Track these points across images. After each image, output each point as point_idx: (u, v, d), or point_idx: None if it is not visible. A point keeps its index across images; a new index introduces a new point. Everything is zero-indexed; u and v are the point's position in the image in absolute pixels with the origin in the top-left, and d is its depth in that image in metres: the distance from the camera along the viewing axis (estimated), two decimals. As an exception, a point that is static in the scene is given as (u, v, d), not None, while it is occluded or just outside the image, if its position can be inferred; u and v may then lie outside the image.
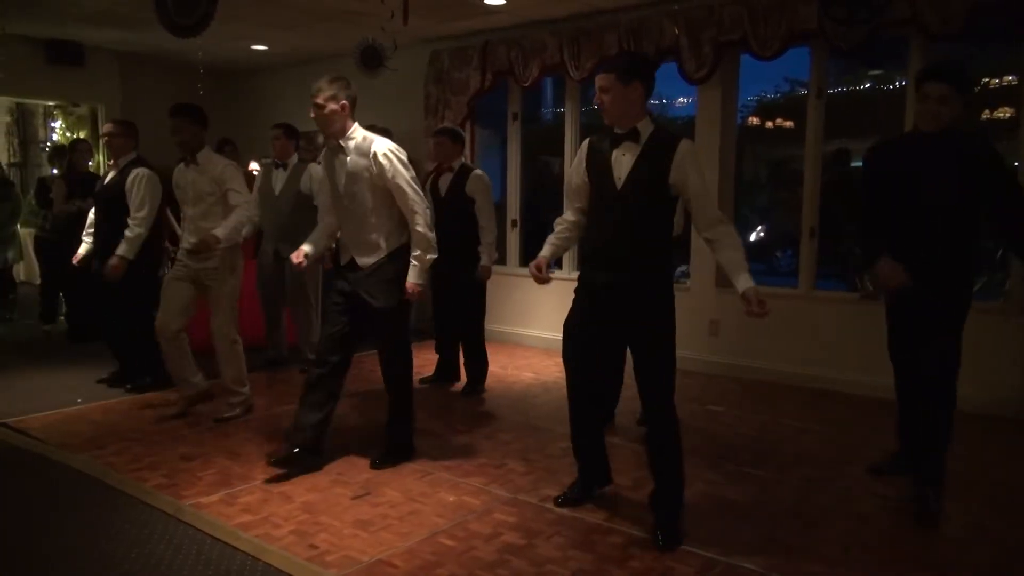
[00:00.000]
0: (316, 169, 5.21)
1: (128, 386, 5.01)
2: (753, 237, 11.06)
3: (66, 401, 4.73)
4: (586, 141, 3.04)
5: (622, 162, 2.84)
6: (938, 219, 3.09)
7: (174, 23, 4.80)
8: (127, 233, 4.60)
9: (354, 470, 3.64)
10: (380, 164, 3.44)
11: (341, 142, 3.49)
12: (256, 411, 4.57)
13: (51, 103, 9.07)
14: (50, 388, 5.08)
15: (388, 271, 3.54)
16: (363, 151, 3.46)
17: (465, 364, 5.19)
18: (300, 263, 3.66)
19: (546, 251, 3.15)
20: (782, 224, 10.65)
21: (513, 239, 6.98)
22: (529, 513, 3.17)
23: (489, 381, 5.40)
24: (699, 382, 5.46)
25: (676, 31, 5.50)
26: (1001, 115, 7.95)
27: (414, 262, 3.51)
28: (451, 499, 3.31)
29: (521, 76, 6.40)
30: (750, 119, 11.51)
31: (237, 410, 4.44)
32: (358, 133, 3.52)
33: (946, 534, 3.03)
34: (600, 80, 2.83)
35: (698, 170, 2.81)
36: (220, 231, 4.08)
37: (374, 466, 3.65)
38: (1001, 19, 4.57)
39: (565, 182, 3.13)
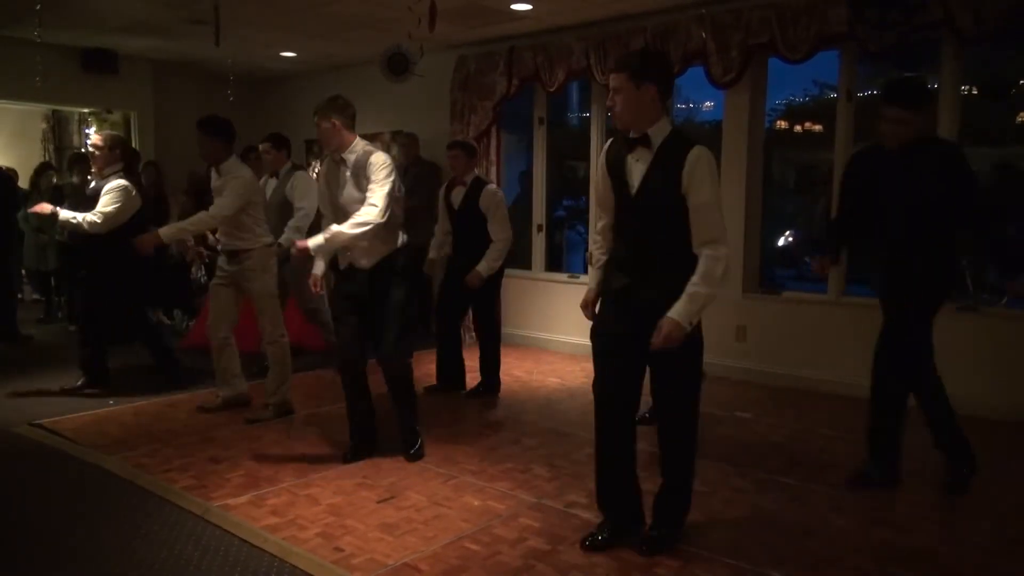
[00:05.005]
0: (300, 176, 5.42)
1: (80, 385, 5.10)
2: (782, 242, 10.94)
3: (98, 403, 4.81)
4: (606, 144, 2.89)
5: (636, 169, 2.68)
6: (908, 225, 3.28)
7: (218, 31, 5.03)
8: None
9: (379, 473, 3.66)
10: (368, 169, 3.66)
11: (344, 155, 3.72)
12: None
13: (86, 110, 9.25)
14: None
15: (395, 269, 3.78)
16: (360, 164, 3.69)
17: (481, 368, 5.22)
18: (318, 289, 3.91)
19: (592, 282, 2.98)
20: (811, 229, 10.51)
21: (538, 244, 6.98)
22: (554, 518, 3.16)
23: (514, 386, 5.40)
24: (727, 388, 5.41)
25: (703, 35, 5.46)
26: (1037, 119, 7.77)
27: (323, 238, 3.62)
28: (476, 503, 3.31)
29: (547, 81, 6.40)
30: (778, 123, 11.36)
31: (270, 412, 4.53)
32: (359, 147, 3.73)
33: (984, 547, 2.96)
34: (612, 80, 2.64)
35: (710, 180, 2.59)
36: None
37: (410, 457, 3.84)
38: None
39: (592, 189, 3.00)
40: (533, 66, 6.44)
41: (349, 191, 3.72)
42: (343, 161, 3.73)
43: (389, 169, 3.67)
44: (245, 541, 2.94)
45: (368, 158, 3.67)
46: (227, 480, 3.55)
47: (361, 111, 8.58)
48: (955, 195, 3.20)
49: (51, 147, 10.28)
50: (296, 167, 5.64)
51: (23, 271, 8.14)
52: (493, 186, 5.06)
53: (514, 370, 5.90)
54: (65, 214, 4.69)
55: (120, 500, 3.36)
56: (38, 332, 7.16)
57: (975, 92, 6.79)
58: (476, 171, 5.09)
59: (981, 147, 7.12)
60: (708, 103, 10.51)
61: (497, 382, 5.23)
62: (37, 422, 4.40)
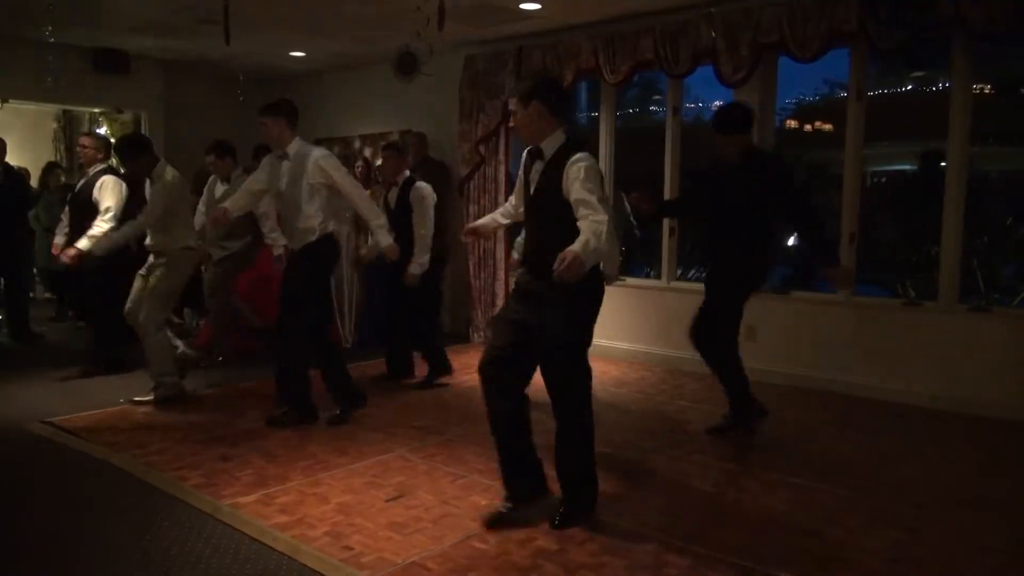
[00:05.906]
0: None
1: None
2: (791, 242, 10.88)
3: (110, 400, 4.84)
4: (527, 150, 3.18)
5: (535, 175, 3.06)
6: (731, 224, 4.05)
7: (227, 31, 5.10)
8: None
9: (388, 472, 3.67)
10: (320, 168, 4.20)
11: (286, 150, 4.26)
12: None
13: (97, 110, 9.30)
14: (95, 387, 5.20)
15: (312, 251, 4.28)
16: (300, 158, 4.23)
17: (425, 359, 5.43)
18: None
19: (482, 220, 3.67)
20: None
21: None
22: (563, 518, 3.15)
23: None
24: (735, 388, 5.39)
25: (713, 34, 5.45)
26: (1050, 118, 7.70)
27: (378, 233, 4.42)
28: (484, 503, 3.32)
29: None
30: (788, 122, 11.32)
31: (151, 396, 4.81)
32: (296, 144, 4.28)
33: (996, 549, 2.95)
34: (509, 104, 3.01)
35: (584, 180, 2.82)
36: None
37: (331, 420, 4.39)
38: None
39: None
40: (542, 65, 6.42)
41: (288, 183, 4.24)
42: (285, 156, 4.26)
43: (337, 161, 4.33)
44: (255, 539, 2.95)
45: (311, 153, 4.23)
46: (237, 478, 3.57)
47: (370, 110, 8.66)
48: (776, 195, 3.90)
49: (62, 147, 10.35)
50: (247, 172, 5.82)
51: (34, 270, 8.20)
52: (422, 183, 5.19)
53: (447, 361, 5.84)
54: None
55: (130, 498, 3.38)
56: (49, 330, 7.21)
57: (988, 91, 6.74)
58: (407, 172, 5.27)
59: (990, 146, 7.05)
60: (717, 102, 10.47)
61: (432, 371, 5.39)
62: (49, 419, 4.43)
